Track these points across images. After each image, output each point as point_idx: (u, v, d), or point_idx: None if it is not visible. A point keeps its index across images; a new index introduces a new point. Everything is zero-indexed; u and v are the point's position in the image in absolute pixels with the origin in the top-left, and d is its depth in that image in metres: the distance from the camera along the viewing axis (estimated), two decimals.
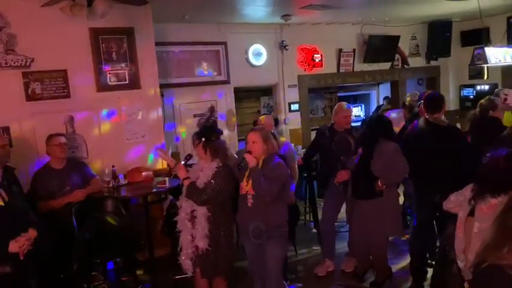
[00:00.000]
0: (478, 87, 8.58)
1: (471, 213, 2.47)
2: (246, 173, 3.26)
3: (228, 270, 3.38)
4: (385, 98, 9.93)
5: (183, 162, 3.43)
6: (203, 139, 3.27)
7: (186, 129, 6.57)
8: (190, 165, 3.54)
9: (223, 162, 3.31)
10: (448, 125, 3.86)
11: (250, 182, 3.20)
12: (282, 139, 4.79)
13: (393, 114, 5.98)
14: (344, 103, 4.66)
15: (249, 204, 3.22)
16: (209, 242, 3.20)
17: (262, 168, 3.19)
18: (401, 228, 4.14)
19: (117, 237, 3.87)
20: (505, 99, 4.80)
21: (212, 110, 3.44)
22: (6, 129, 4.38)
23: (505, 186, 2.34)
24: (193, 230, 3.24)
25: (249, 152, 3.19)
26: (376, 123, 3.98)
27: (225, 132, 6.72)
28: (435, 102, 3.83)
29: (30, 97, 4.50)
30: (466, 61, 8.60)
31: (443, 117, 3.90)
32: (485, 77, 8.46)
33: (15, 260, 2.84)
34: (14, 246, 2.85)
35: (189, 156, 3.49)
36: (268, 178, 3.12)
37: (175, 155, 5.38)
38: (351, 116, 4.53)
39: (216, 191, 3.19)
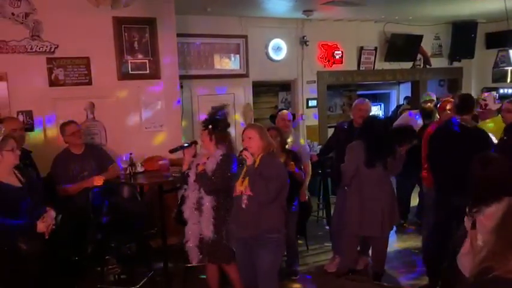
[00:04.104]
0: (501, 91, 8.40)
1: (474, 226, 2.45)
2: (242, 172, 3.09)
3: (233, 258, 3.40)
4: (406, 97, 9.81)
5: (186, 145, 3.53)
6: (210, 126, 3.31)
7: None
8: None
9: (227, 151, 3.33)
10: (475, 127, 3.84)
11: (246, 181, 3.02)
12: (301, 141, 4.80)
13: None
14: (362, 98, 4.60)
15: (243, 205, 3.02)
16: (214, 231, 3.26)
17: (259, 166, 3.01)
18: (356, 227, 3.93)
19: (132, 223, 3.95)
20: (486, 105, 4.68)
21: (224, 106, 3.46)
22: (29, 113, 4.51)
23: (493, 193, 2.33)
24: (201, 218, 3.30)
25: (246, 149, 3.05)
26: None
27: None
28: (465, 103, 3.81)
29: (53, 83, 4.62)
30: (490, 64, 8.47)
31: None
32: (509, 80, 8.29)
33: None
34: (41, 226, 2.90)
35: (194, 143, 3.56)
36: (264, 177, 2.95)
37: None
38: (364, 110, 4.32)
39: (222, 178, 3.22)
